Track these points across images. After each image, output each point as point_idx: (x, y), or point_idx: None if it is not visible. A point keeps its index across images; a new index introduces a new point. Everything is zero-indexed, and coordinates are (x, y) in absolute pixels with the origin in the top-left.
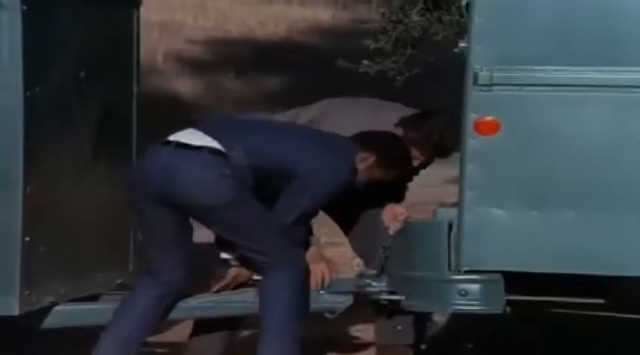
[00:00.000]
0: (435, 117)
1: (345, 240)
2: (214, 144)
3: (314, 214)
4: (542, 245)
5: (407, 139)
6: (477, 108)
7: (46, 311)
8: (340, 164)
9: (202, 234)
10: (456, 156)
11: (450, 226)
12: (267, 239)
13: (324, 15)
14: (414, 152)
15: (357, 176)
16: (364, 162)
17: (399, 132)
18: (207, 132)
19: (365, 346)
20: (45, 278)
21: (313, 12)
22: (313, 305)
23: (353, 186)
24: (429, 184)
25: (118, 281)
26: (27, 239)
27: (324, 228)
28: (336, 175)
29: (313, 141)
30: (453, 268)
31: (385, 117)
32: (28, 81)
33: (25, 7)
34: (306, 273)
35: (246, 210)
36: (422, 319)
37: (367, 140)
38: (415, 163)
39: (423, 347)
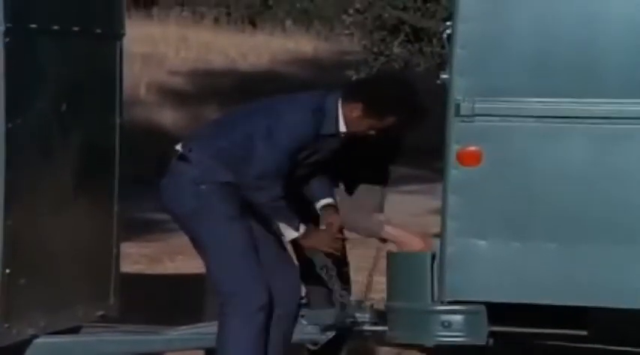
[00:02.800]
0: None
1: None
2: (178, 147)
3: (279, 172)
4: (523, 276)
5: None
6: (459, 139)
7: (26, 343)
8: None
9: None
10: (439, 186)
11: (433, 257)
12: (224, 270)
13: (306, 46)
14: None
15: (348, 127)
16: (352, 112)
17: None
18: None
19: None
20: (25, 311)
21: (295, 43)
22: (296, 337)
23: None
24: (413, 214)
25: (99, 313)
26: (7, 271)
27: None
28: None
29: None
30: (435, 299)
31: None
32: (10, 113)
33: (7, 39)
34: (259, 319)
35: (210, 226)
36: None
37: (354, 89)
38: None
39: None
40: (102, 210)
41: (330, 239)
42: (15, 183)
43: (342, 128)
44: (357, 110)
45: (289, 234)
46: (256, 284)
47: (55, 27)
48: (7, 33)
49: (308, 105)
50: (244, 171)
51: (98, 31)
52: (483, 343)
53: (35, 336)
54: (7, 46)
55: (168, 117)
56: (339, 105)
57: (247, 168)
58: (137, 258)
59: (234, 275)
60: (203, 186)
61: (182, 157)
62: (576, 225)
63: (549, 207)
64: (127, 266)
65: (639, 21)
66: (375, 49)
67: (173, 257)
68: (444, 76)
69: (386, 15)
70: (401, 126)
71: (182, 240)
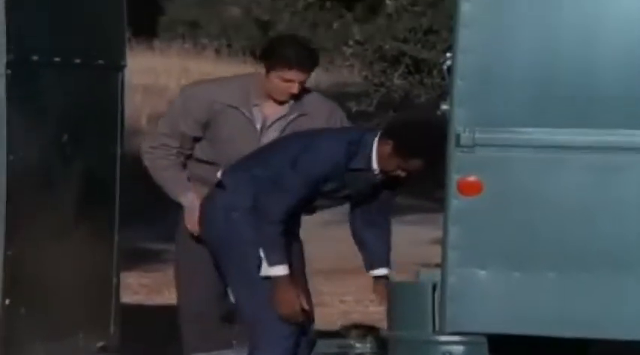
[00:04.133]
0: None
1: None
2: (219, 174)
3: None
4: (524, 307)
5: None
6: (459, 169)
7: None
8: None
9: None
10: (440, 216)
11: (434, 287)
12: (250, 297)
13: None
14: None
15: (379, 164)
16: (384, 150)
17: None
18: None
19: None
20: (25, 341)
21: None
22: None
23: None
24: (415, 244)
25: (100, 344)
26: (7, 301)
27: None
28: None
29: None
30: (437, 329)
31: None
32: (11, 144)
33: (9, 71)
34: (287, 345)
35: (238, 254)
36: None
37: (389, 126)
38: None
39: None
40: (102, 240)
41: (295, 307)
42: (16, 213)
43: (375, 165)
44: (387, 147)
45: (264, 269)
46: None
47: (57, 59)
48: (9, 65)
49: (345, 136)
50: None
51: (100, 62)
52: None
53: None
54: (9, 78)
55: None
56: (376, 141)
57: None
58: (137, 288)
59: (262, 303)
60: (235, 213)
61: (220, 184)
62: (576, 256)
63: (550, 237)
64: (127, 297)
65: (639, 52)
66: (376, 81)
67: (172, 288)
68: (445, 107)
69: (386, 46)
70: (425, 168)
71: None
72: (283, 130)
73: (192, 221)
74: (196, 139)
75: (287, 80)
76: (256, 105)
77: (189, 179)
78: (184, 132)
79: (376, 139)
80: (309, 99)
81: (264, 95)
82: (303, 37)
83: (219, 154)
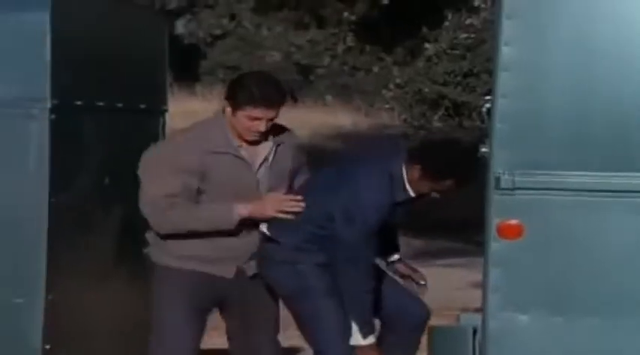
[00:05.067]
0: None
1: None
2: (264, 228)
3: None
4: (566, 352)
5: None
6: (499, 212)
7: None
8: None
9: None
10: (480, 260)
11: (475, 331)
12: (325, 344)
13: (346, 120)
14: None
15: (415, 190)
16: (414, 175)
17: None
18: None
19: None
20: None
21: (335, 118)
22: None
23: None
24: (454, 288)
25: None
26: (47, 347)
27: None
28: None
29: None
30: None
31: None
32: (54, 187)
33: (53, 116)
34: None
35: (308, 305)
36: None
37: (414, 151)
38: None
39: None
40: (141, 283)
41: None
42: (57, 256)
43: (411, 193)
44: (416, 172)
45: (356, 338)
46: None
47: (100, 103)
48: (53, 110)
49: (379, 176)
50: (333, 251)
51: (142, 106)
52: None
53: None
54: (52, 123)
55: None
56: (404, 169)
57: (336, 248)
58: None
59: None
60: (300, 266)
61: (273, 240)
62: (619, 300)
63: (592, 281)
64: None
65: None
66: (416, 123)
67: (209, 332)
68: (484, 150)
69: (426, 90)
70: (458, 187)
71: (216, 316)
72: (270, 166)
73: (269, 206)
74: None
75: (254, 118)
76: (240, 145)
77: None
78: (189, 183)
79: (404, 167)
80: (275, 128)
81: (236, 136)
82: (269, 73)
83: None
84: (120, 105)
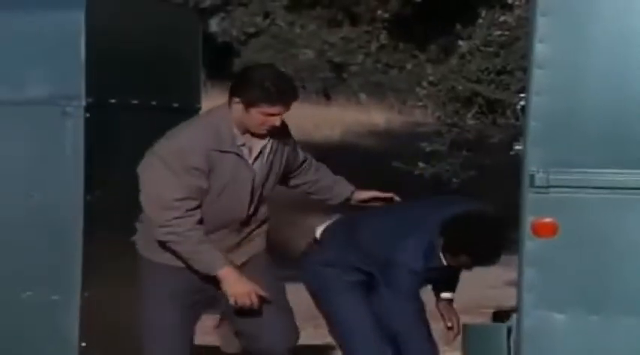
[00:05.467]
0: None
1: None
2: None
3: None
4: (602, 351)
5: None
6: (534, 211)
7: None
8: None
9: None
10: (514, 258)
11: (509, 331)
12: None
13: (379, 118)
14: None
15: (447, 261)
16: (439, 248)
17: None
18: None
19: None
20: None
21: (368, 116)
22: None
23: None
24: (489, 287)
25: None
26: (83, 344)
27: None
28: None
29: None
30: None
31: None
32: (89, 185)
33: (88, 114)
34: None
35: (333, 303)
36: None
37: (444, 225)
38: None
39: None
40: None
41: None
42: (92, 255)
43: (444, 262)
44: (440, 246)
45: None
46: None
47: (134, 101)
48: (88, 108)
49: (420, 249)
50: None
51: (175, 105)
52: None
53: None
54: (87, 121)
55: None
56: (440, 242)
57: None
58: (209, 329)
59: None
60: (330, 270)
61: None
62: None
63: (628, 280)
64: (198, 339)
65: None
66: (449, 121)
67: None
68: (518, 147)
69: (459, 87)
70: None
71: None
72: (267, 159)
73: (243, 288)
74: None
75: (270, 114)
76: (243, 144)
77: None
78: (201, 185)
79: (440, 241)
80: None
81: (242, 131)
82: (274, 66)
83: (217, 202)
84: (154, 103)
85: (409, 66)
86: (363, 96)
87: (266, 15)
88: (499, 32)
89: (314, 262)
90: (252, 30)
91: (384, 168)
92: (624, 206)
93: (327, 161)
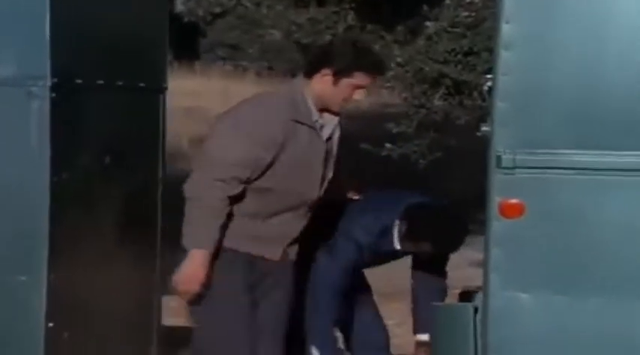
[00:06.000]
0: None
1: None
2: None
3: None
4: (569, 331)
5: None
6: (500, 191)
7: None
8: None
9: None
10: (481, 239)
11: (476, 310)
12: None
13: None
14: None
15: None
16: (395, 229)
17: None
18: None
19: None
20: None
21: None
22: None
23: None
24: (454, 267)
25: None
26: (50, 324)
27: None
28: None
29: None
30: (479, 354)
31: None
32: (55, 166)
33: (54, 95)
34: None
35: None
36: None
37: (407, 209)
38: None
39: None
40: (144, 263)
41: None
42: (59, 236)
43: (397, 245)
44: (397, 230)
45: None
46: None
47: (100, 81)
48: (53, 88)
49: (376, 227)
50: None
51: (141, 85)
52: None
53: None
54: (53, 101)
55: None
56: (400, 224)
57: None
58: (179, 311)
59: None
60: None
61: None
62: (621, 279)
63: (594, 261)
64: (168, 320)
65: None
66: (416, 102)
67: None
68: (485, 129)
69: (426, 68)
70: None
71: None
72: (334, 143)
73: (195, 275)
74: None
75: (359, 86)
76: (316, 120)
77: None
78: (262, 158)
79: (402, 225)
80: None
81: (318, 107)
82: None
83: (289, 180)
84: (120, 83)
85: (377, 47)
86: None
87: None
88: (466, 13)
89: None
90: (218, 10)
91: (352, 149)
92: (591, 187)
93: None
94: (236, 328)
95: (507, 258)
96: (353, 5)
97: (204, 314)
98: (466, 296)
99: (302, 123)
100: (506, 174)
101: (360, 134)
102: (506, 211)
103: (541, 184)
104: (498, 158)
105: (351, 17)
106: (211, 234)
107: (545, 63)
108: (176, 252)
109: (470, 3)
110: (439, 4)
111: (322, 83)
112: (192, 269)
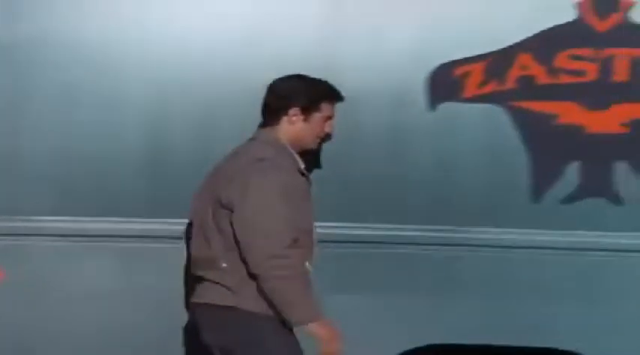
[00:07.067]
0: None
1: None
2: None
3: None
4: None
5: None
6: None
7: None
8: None
9: None
10: None
11: None
12: None
13: None
14: None
15: None
16: None
17: None
18: None
19: None
20: None
21: None
22: None
23: None
24: None
25: None
26: None
27: None
28: None
29: None
30: None
31: None
32: None
33: None
34: None
35: None
36: None
37: None
38: None
39: None
40: None
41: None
42: None
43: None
44: None
45: None
46: None
47: None
48: None
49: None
50: None
51: None
52: None
53: None
54: None
55: None
56: None
57: None
58: None
59: None
60: None
61: None
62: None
63: (71, 328)
64: None
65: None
66: None
67: None
68: None
69: None
70: None
71: None
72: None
73: (337, 347)
74: None
75: (328, 118)
76: (302, 166)
77: None
78: (297, 214)
79: None
80: None
81: (296, 150)
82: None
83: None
84: None
85: None
86: None
87: None
88: None
89: None
90: None
91: None
92: (64, 253)
93: None
94: None
95: None
96: None
97: None
98: None
99: (302, 174)
100: None
101: None
102: None
103: (19, 250)
104: None
105: None
106: (315, 299)
107: (19, 126)
108: None
109: None
110: None
111: (294, 123)
112: (331, 346)
